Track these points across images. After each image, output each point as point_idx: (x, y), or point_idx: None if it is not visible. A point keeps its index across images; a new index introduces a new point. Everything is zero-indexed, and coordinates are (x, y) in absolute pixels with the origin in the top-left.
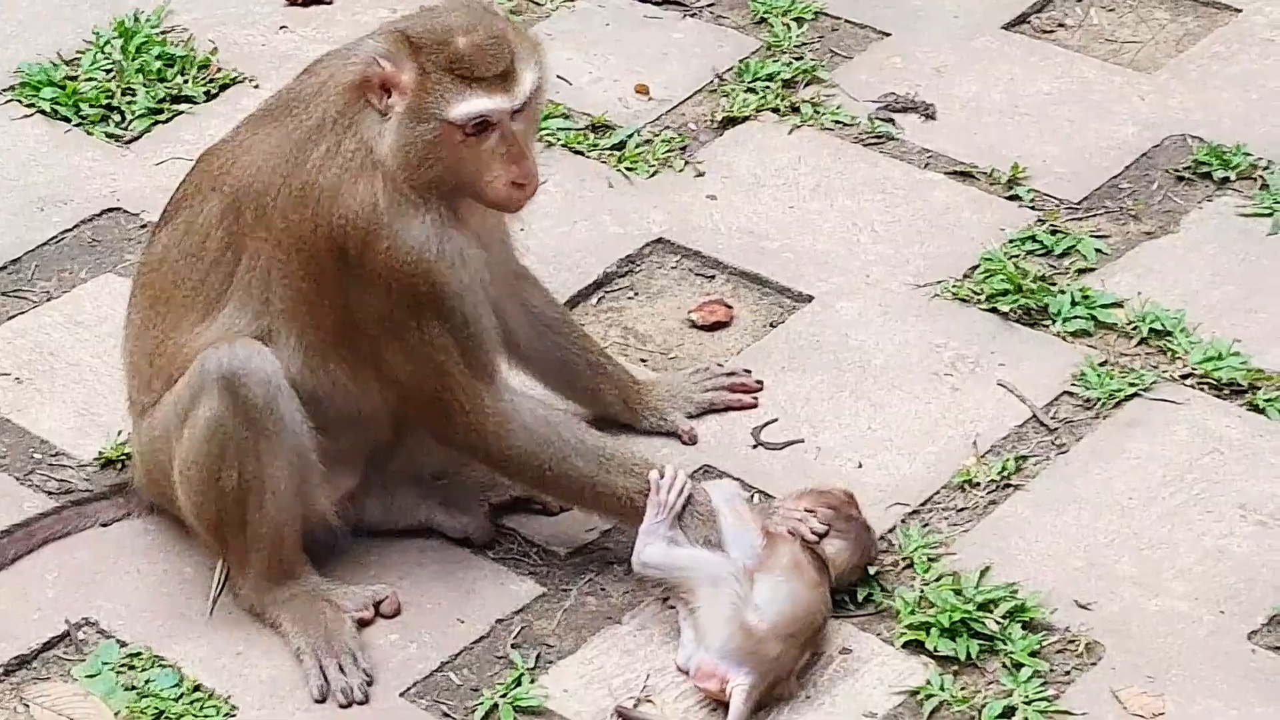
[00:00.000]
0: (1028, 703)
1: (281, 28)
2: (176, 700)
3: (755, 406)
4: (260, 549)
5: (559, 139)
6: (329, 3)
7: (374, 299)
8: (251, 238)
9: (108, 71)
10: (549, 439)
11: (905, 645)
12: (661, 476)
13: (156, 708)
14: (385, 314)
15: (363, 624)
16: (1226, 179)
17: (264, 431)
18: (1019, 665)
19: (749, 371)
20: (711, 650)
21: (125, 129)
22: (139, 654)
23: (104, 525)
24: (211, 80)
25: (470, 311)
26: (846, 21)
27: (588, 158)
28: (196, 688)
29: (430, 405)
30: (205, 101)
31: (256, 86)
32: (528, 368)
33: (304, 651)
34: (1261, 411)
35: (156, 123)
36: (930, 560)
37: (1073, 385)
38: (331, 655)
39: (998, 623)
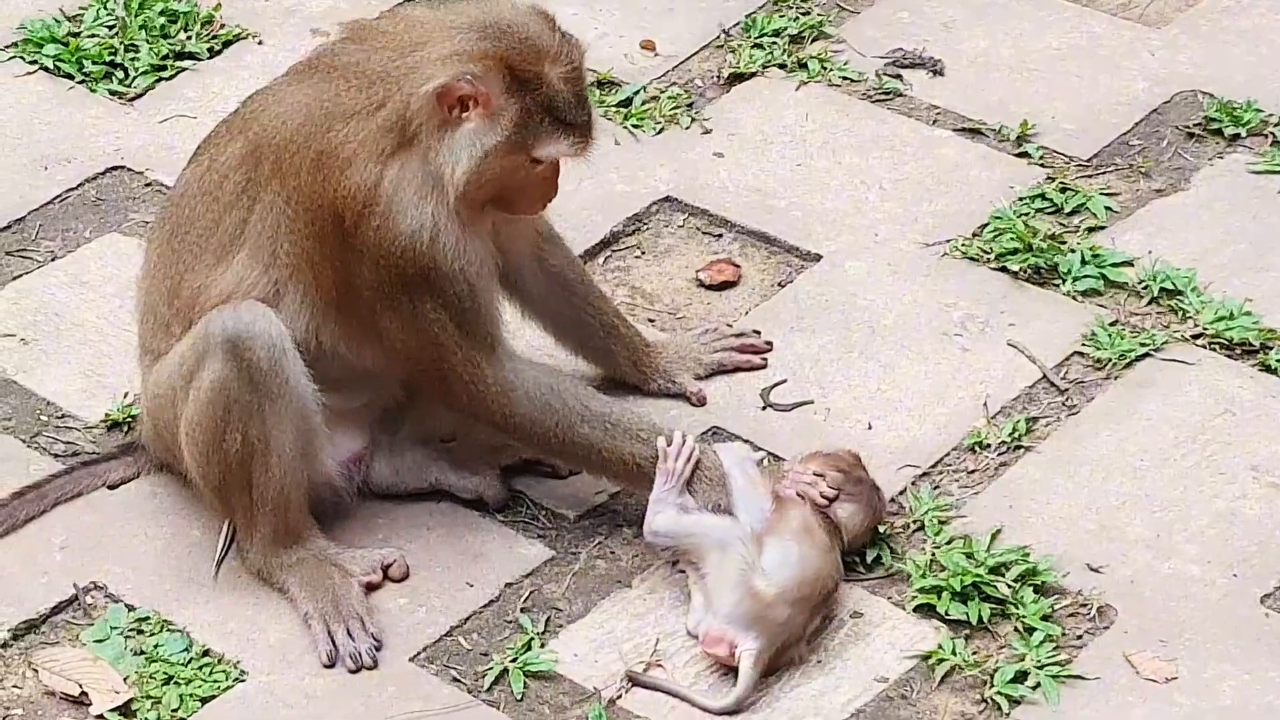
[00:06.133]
0: (1040, 667)
1: None
2: (186, 665)
3: (764, 367)
4: (266, 512)
5: None
6: None
7: (368, 269)
8: (267, 189)
9: (110, 28)
10: (553, 406)
11: (916, 609)
12: (669, 443)
13: (166, 672)
14: (378, 284)
15: (370, 588)
16: (1237, 136)
17: (268, 395)
18: (1031, 629)
19: (758, 332)
20: (719, 615)
21: (128, 86)
22: (147, 618)
23: (110, 487)
24: (215, 37)
25: (464, 290)
26: None
27: None
28: (206, 652)
29: (429, 373)
30: (209, 58)
31: (260, 43)
32: (541, 324)
33: (312, 616)
34: (1274, 372)
35: (160, 80)
36: (941, 523)
37: (1083, 345)
38: (339, 620)
39: (1009, 586)
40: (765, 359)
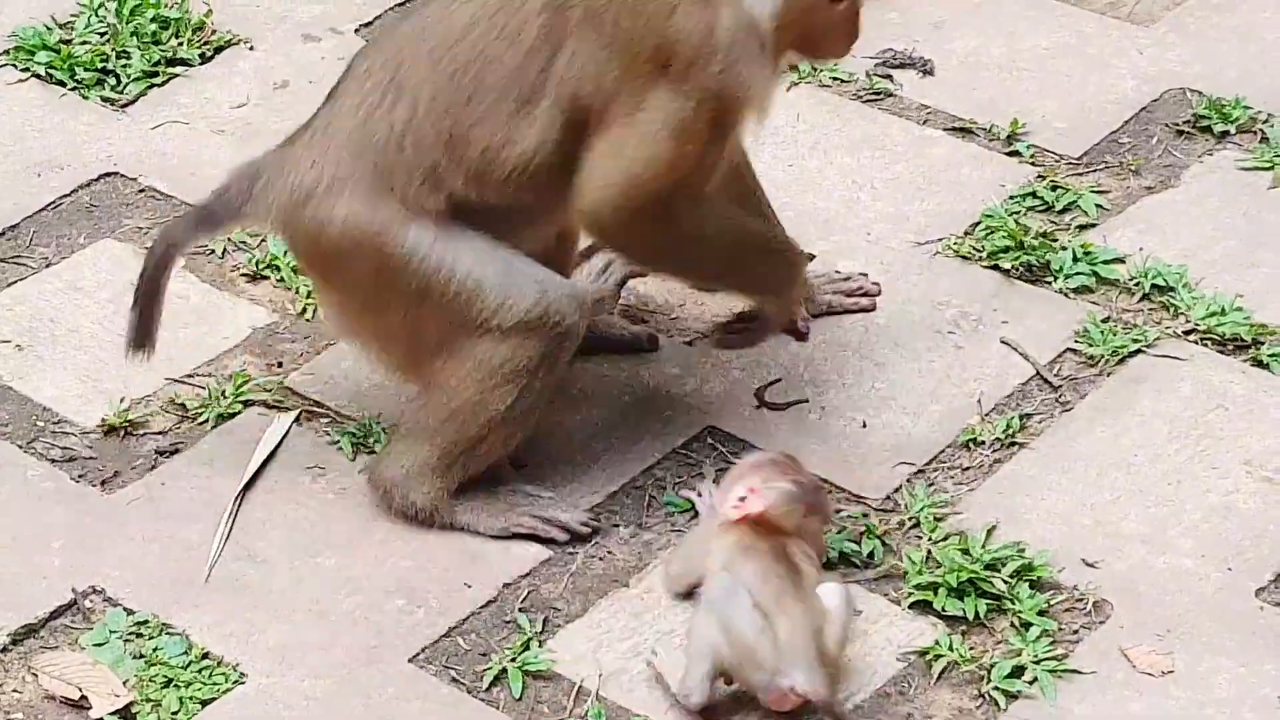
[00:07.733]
0: (1036, 662)
1: None
2: (185, 668)
3: (873, 310)
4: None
5: None
6: None
7: (676, 105)
8: (576, 36)
9: (102, 34)
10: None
11: (913, 606)
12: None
13: (165, 676)
14: (676, 116)
15: None
16: (1226, 133)
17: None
18: (1027, 624)
19: (865, 275)
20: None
21: (121, 92)
22: (146, 622)
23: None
24: (206, 43)
25: (736, 133)
26: None
27: None
28: (205, 655)
29: (650, 170)
30: (200, 64)
31: (252, 49)
32: None
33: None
34: (1265, 367)
35: (152, 86)
36: (937, 520)
37: (1076, 342)
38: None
39: (1005, 582)
40: (874, 301)
